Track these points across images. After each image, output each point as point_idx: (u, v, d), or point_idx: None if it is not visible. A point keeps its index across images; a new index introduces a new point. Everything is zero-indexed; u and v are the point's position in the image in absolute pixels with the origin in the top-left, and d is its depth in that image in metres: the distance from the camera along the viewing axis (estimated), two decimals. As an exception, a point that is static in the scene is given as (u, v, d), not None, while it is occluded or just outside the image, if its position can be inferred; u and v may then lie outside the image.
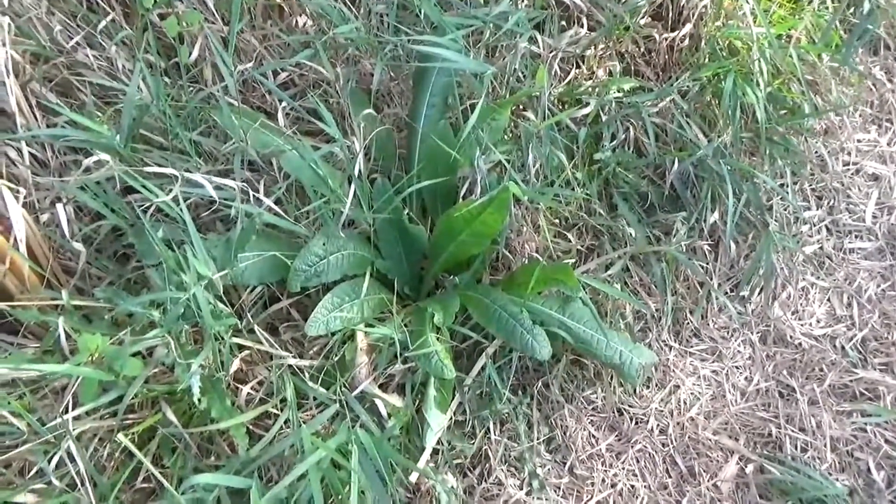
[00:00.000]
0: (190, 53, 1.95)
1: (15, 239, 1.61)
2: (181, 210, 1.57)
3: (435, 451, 1.89)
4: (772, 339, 2.27)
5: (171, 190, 1.60)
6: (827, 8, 2.38)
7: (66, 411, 1.49)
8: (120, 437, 1.50)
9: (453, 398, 1.94)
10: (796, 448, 2.07)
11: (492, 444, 2.00)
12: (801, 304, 2.34)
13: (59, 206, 1.70)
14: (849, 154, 2.64)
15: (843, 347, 2.25)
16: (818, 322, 2.31)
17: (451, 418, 1.94)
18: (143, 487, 1.65)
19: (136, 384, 1.52)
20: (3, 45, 1.66)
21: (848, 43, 2.40)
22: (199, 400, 1.55)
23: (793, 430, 2.09)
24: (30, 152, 1.81)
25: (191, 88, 2.00)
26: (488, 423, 2.00)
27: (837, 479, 2.00)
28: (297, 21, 2.10)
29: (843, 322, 2.30)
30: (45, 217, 1.79)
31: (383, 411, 1.79)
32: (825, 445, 2.07)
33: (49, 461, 1.49)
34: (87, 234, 1.81)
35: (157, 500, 1.59)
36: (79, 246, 1.75)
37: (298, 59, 2.01)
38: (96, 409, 1.56)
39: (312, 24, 2.11)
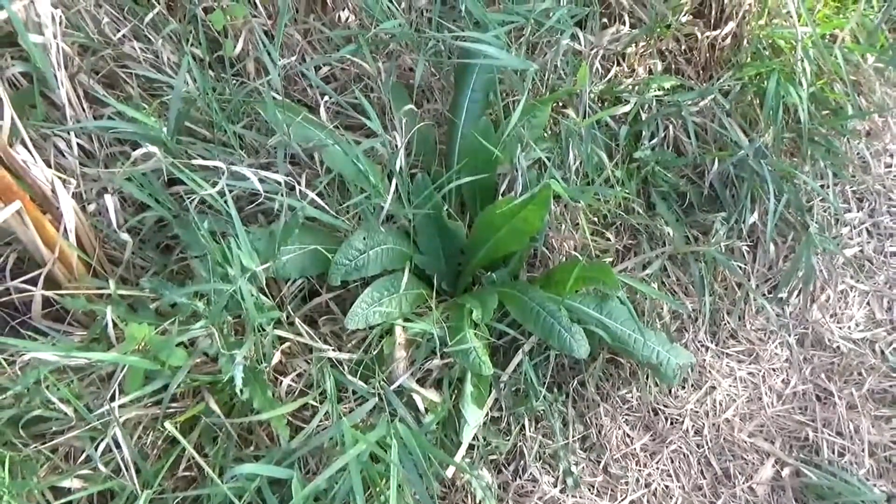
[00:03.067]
0: (234, 47, 1.97)
1: (65, 228, 1.64)
2: (226, 202, 1.59)
3: (471, 447, 1.90)
4: (810, 342, 2.25)
5: (215, 182, 1.62)
6: (873, 8, 2.34)
7: (113, 399, 1.51)
8: (166, 424, 1.52)
9: (490, 394, 1.94)
10: (833, 452, 2.05)
11: (527, 441, 2.00)
12: (840, 307, 2.31)
13: (107, 197, 1.73)
14: (891, 156, 2.60)
15: (882, 352, 2.22)
16: (857, 325, 2.28)
17: (487, 414, 1.94)
18: (185, 475, 1.68)
19: (181, 374, 1.55)
20: (55, 37, 1.68)
21: (894, 44, 2.37)
22: (242, 391, 1.57)
23: (830, 434, 2.07)
24: (78, 143, 1.84)
25: (234, 81, 2.02)
26: (524, 420, 2.01)
27: (875, 485, 1.98)
28: (339, 16, 2.11)
29: (883, 326, 2.27)
30: (91, 207, 1.82)
31: (421, 406, 1.80)
32: (863, 450, 2.04)
33: (95, 447, 1.53)
34: (132, 224, 1.83)
35: (199, 488, 1.61)
36: (125, 236, 1.78)
37: (341, 53, 2.03)
38: (141, 398, 1.59)
39: (355, 19, 2.12)
